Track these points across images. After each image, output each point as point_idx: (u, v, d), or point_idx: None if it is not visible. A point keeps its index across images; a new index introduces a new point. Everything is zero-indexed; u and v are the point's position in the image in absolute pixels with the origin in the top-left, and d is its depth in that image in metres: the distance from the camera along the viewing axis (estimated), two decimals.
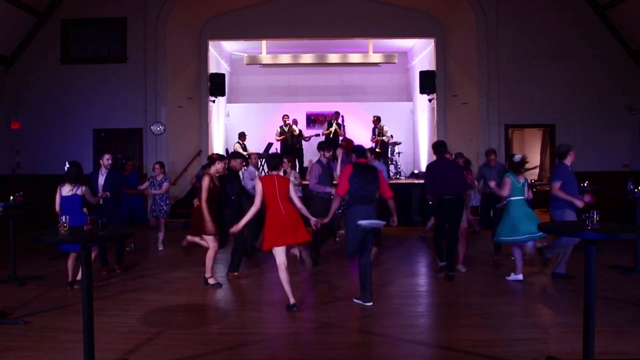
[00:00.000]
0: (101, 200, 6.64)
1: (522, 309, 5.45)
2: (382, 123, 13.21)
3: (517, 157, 6.40)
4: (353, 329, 4.81)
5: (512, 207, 6.25)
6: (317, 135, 13.53)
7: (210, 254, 6.25)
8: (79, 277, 6.10)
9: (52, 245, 8.07)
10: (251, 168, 8.32)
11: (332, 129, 13.05)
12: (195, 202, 6.53)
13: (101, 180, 6.79)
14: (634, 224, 6.97)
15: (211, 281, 6.26)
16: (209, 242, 6.23)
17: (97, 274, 6.78)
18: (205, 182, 6.13)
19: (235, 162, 6.66)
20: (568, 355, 3.97)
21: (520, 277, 6.36)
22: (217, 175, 6.40)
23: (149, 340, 4.45)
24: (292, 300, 5.26)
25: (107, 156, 6.88)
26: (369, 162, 7.89)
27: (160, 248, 8.67)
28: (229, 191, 6.51)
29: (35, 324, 4.87)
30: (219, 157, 6.49)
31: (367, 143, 13.45)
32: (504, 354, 4.10)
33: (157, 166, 8.79)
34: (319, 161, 7.31)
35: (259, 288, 6.34)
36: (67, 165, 6.22)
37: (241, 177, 7.52)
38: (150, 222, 8.85)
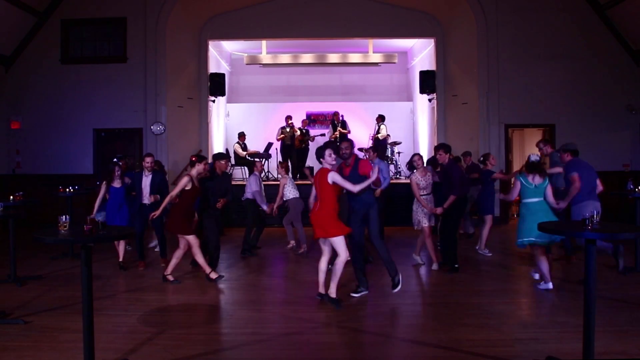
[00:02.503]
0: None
1: (522, 309, 5.46)
2: (382, 122, 13.23)
3: (534, 157, 6.00)
4: (353, 329, 4.81)
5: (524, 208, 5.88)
6: (322, 135, 13.54)
7: (178, 254, 6.46)
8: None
9: (52, 245, 8.09)
10: (256, 174, 8.35)
11: (338, 132, 13.14)
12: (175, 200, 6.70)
13: (146, 181, 7.08)
14: (634, 224, 6.96)
15: (169, 277, 6.48)
16: (181, 242, 6.44)
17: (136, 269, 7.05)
18: (184, 180, 6.30)
19: (219, 163, 6.77)
20: (568, 355, 3.97)
21: (549, 285, 5.91)
22: (199, 176, 6.53)
23: (149, 340, 4.46)
24: (321, 290, 5.50)
25: (148, 159, 7.08)
26: (370, 160, 8.01)
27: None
28: (212, 191, 6.63)
29: (35, 324, 4.87)
30: (199, 159, 6.61)
31: (368, 143, 13.47)
32: (504, 354, 4.10)
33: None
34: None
35: (259, 288, 6.34)
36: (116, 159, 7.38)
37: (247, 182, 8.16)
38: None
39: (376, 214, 5.75)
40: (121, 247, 7.32)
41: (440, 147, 7.09)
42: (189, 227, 6.39)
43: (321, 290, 5.47)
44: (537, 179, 5.80)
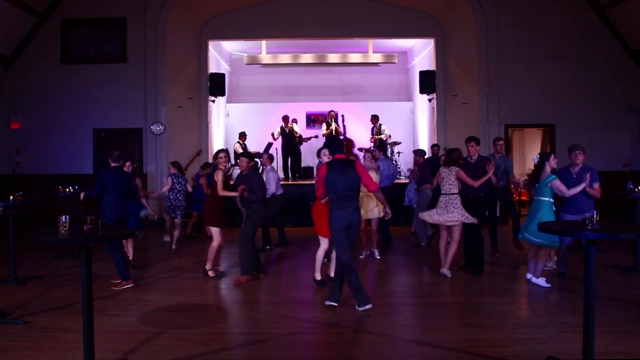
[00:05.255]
0: None
1: (522, 309, 5.46)
2: (380, 122, 13.21)
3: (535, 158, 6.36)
4: (353, 329, 4.81)
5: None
6: (316, 137, 13.50)
7: (213, 246, 6.60)
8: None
9: (52, 245, 8.09)
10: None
11: (332, 128, 13.02)
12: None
13: None
14: (634, 224, 6.96)
15: (210, 273, 6.58)
16: (214, 234, 6.59)
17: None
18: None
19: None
20: (568, 355, 3.97)
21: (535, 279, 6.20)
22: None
23: (149, 340, 4.46)
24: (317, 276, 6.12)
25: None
26: (376, 159, 8.01)
27: (173, 247, 8.78)
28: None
29: (35, 324, 4.87)
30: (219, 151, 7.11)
31: (368, 143, 13.46)
32: (504, 354, 4.10)
33: (170, 165, 9.14)
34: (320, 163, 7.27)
35: (259, 288, 6.33)
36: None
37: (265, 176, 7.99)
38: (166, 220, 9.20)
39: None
40: (130, 245, 7.16)
41: (472, 139, 6.96)
42: (213, 219, 6.60)
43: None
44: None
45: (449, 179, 6.52)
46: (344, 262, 5.14)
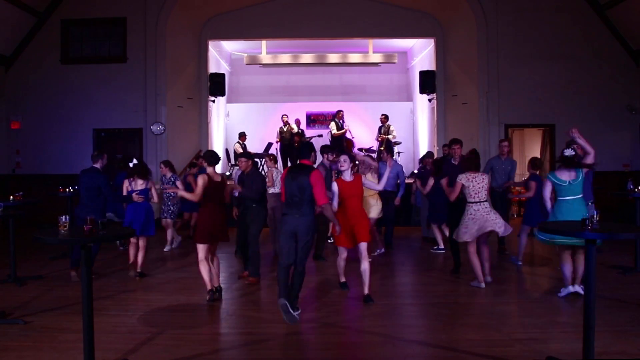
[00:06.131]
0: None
1: (522, 309, 5.46)
2: (389, 122, 13.19)
3: (568, 152, 5.48)
4: (353, 329, 4.81)
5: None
6: (320, 135, 13.49)
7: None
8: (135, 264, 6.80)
9: (52, 245, 8.08)
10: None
11: (346, 129, 13.02)
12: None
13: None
14: (634, 224, 6.96)
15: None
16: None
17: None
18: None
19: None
20: (568, 355, 3.97)
21: (569, 289, 5.61)
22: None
23: (149, 340, 4.46)
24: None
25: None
26: (385, 161, 8.01)
27: (166, 249, 8.63)
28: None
29: (35, 324, 4.87)
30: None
31: (368, 143, 13.47)
32: (504, 354, 4.10)
33: (162, 165, 8.78)
34: (322, 164, 7.24)
35: (259, 288, 6.34)
36: (135, 162, 6.99)
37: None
38: (162, 222, 8.82)
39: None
40: (140, 255, 6.74)
41: (457, 142, 6.98)
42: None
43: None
44: (572, 175, 5.43)
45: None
46: (279, 264, 5.05)
